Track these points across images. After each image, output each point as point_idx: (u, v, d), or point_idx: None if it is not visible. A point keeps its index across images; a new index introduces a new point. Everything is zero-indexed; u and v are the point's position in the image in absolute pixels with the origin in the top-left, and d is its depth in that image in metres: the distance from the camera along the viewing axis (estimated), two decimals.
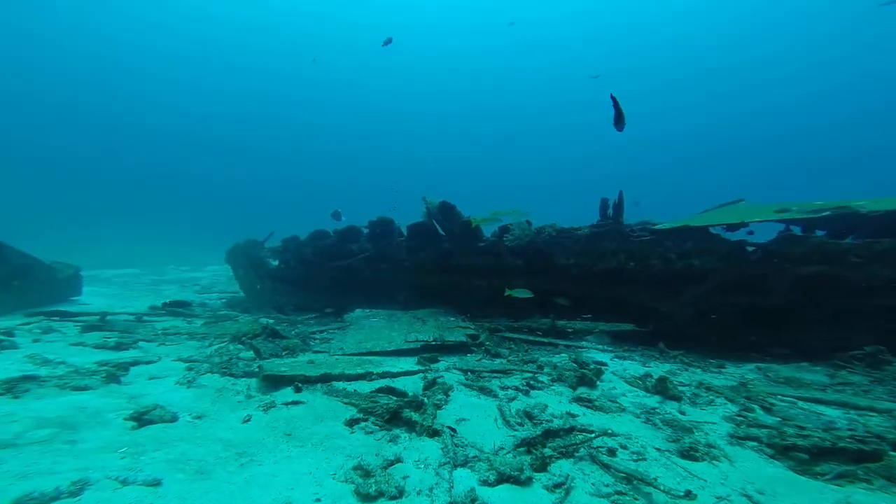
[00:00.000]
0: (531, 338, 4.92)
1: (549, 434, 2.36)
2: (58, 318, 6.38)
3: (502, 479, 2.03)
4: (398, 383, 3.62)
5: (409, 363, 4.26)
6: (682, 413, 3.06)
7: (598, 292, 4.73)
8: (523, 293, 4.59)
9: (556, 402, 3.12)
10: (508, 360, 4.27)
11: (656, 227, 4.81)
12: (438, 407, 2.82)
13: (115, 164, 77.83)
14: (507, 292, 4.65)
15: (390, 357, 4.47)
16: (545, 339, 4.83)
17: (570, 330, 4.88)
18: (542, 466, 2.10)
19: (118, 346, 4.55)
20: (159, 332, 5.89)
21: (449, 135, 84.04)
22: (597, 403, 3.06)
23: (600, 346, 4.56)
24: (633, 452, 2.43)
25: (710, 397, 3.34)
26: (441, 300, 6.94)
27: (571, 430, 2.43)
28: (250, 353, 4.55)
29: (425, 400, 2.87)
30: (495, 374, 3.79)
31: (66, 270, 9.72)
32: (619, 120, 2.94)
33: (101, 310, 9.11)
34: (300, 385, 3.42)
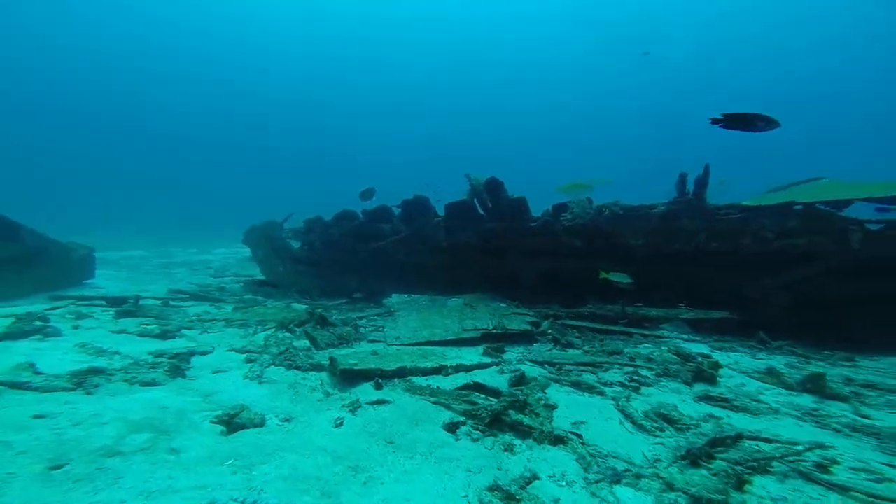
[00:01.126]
0: (600, 326, 4.60)
1: (715, 443, 2.04)
2: (85, 303, 6.03)
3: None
4: (476, 378, 3.32)
5: (474, 354, 3.98)
6: (866, 416, 2.69)
7: (670, 275, 4.38)
8: (622, 277, 4.23)
9: (678, 401, 2.81)
10: (587, 352, 3.95)
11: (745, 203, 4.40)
12: (550, 408, 2.51)
13: (120, 153, 76.94)
14: (603, 275, 4.28)
15: (452, 347, 4.18)
16: (617, 328, 4.51)
17: (643, 317, 4.55)
18: (738, 485, 1.79)
19: (164, 335, 4.22)
20: (193, 318, 5.57)
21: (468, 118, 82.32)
22: (736, 403, 2.74)
23: (684, 336, 4.26)
24: (854, 469, 2.06)
25: (887, 397, 2.96)
26: (483, 284, 6.61)
27: (739, 437, 2.12)
28: (303, 342, 4.23)
29: (529, 399, 2.55)
30: (582, 368, 3.48)
31: (80, 251, 9.32)
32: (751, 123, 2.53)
33: (117, 294, 8.83)
34: (380, 381, 3.10)
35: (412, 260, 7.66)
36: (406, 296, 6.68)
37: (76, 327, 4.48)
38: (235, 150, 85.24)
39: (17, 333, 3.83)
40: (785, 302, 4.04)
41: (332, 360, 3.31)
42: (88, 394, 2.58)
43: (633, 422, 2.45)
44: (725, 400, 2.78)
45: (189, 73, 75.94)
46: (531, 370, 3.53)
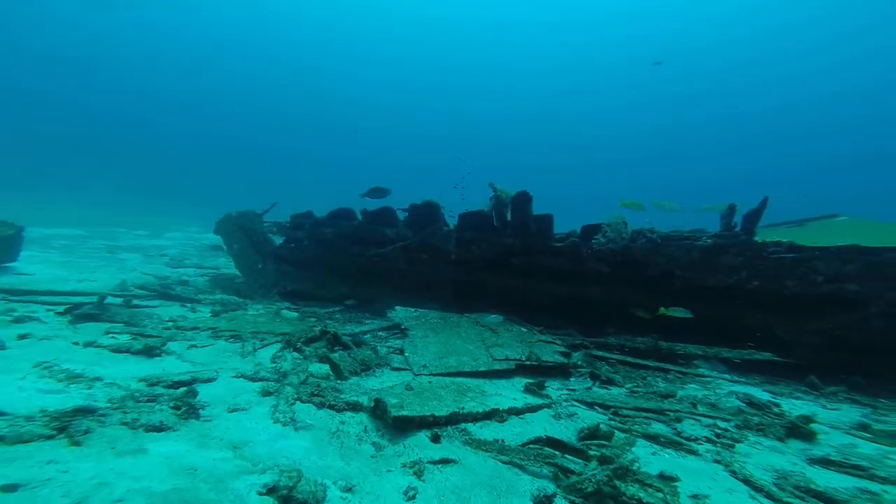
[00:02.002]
0: (631, 360, 4.39)
1: None
2: (18, 299, 4.92)
3: None
4: (530, 423, 2.95)
5: (512, 390, 3.64)
6: None
7: (700, 310, 4.29)
8: (681, 312, 4.03)
9: (793, 466, 2.57)
10: (634, 392, 3.70)
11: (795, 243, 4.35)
12: (669, 479, 2.18)
13: (66, 105, 68.12)
14: (662, 311, 4.06)
15: (486, 380, 3.79)
16: (650, 363, 4.32)
17: (678, 352, 4.41)
18: None
19: (148, 351, 3.43)
20: (169, 324, 4.71)
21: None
22: (878, 473, 2.47)
23: (726, 376, 4.15)
24: None
25: None
26: (491, 302, 6.25)
27: None
28: (319, 367, 3.64)
29: (634, 466, 2.22)
30: (645, 414, 3.21)
31: (4, 229, 7.84)
32: None
33: (47, 280, 7.49)
34: (438, 433, 2.63)
35: (415, 270, 7.16)
36: (412, 310, 6.17)
37: (23, 336, 3.54)
38: (208, 130, 79.08)
39: None
40: (817, 344, 4.08)
41: (378, 402, 2.79)
42: (77, 444, 1.90)
43: (772, 497, 2.16)
44: (860, 468, 2.52)
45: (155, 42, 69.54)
46: (584, 414, 3.22)
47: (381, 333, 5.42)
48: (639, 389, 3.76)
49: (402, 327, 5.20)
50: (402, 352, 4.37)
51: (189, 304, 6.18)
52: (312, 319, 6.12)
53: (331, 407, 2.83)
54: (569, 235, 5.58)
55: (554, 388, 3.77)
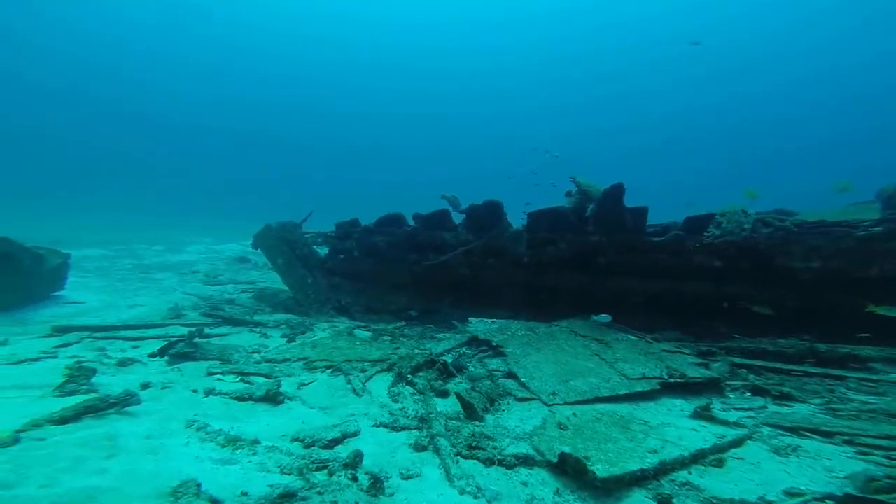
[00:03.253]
0: (781, 366, 3.96)
1: None
2: (103, 336, 4.68)
3: None
4: (767, 470, 2.49)
5: (677, 416, 3.20)
6: None
7: (846, 304, 3.89)
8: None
9: None
10: (838, 412, 3.20)
11: None
12: None
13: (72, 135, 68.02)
14: (872, 309, 3.63)
15: (630, 405, 3.41)
16: (815, 370, 3.89)
17: (845, 354, 3.94)
18: None
19: (271, 398, 3.11)
20: (258, 357, 4.42)
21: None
22: None
23: None
24: None
25: None
26: (572, 307, 5.88)
27: None
28: (443, 404, 3.31)
29: None
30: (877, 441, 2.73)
31: (53, 258, 7.62)
32: None
33: (98, 308, 7.27)
34: (662, 493, 2.25)
35: (480, 276, 6.80)
36: (488, 320, 5.82)
37: (145, 386, 3.26)
38: (209, 132, 78.36)
39: (89, 409, 2.60)
40: None
41: (566, 457, 2.41)
42: None
43: None
44: None
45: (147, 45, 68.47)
46: (810, 446, 2.75)
47: (464, 350, 5.09)
48: (837, 405, 3.32)
49: (493, 344, 4.84)
50: (511, 376, 4.01)
51: (258, 329, 5.90)
52: (387, 338, 5.81)
53: (500, 463, 2.49)
54: (666, 228, 5.15)
55: (717, 408, 3.31)
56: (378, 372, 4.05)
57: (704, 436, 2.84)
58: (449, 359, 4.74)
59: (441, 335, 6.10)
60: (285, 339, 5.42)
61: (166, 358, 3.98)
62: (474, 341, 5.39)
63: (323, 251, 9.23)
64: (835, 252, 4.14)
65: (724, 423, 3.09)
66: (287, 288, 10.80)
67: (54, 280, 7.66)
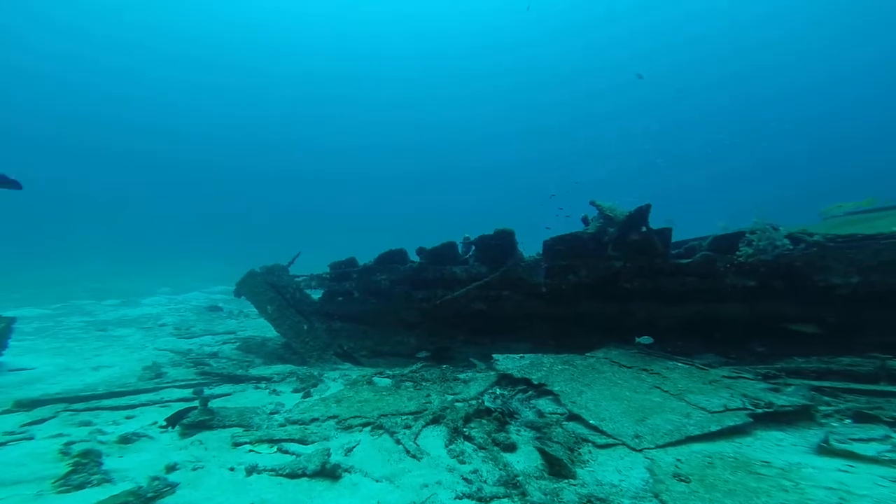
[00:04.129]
0: (858, 385, 3.87)
1: None
2: (84, 407, 3.91)
3: None
4: None
5: (802, 454, 2.90)
6: None
7: (889, 317, 3.97)
8: None
9: None
10: None
11: None
12: None
13: None
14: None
15: (733, 442, 3.11)
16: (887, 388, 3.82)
17: None
18: None
19: (328, 472, 2.62)
20: (281, 420, 3.84)
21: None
22: None
23: None
24: None
25: None
26: (598, 335, 5.77)
27: None
28: (514, 459, 2.98)
29: None
30: None
31: None
32: None
33: (53, 373, 6.27)
34: None
35: (496, 309, 6.58)
36: (516, 357, 5.54)
37: (171, 468, 2.64)
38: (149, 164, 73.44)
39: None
40: None
41: None
42: None
43: None
44: None
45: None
46: None
47: (498, 392, 4.75)
48: None
49: (534, 382, 4.54)
50: (575, 418, 3.67)
51: (263, 385, 5.25)
52: (409, 384, 5.35)
53: None
54: (690, 249, 5.22)
55: (830, 440, 2.97)
56: (424, 426, 3.63)
57: (867, 478, 2.55)
58: (489, 402, 4.41)
59: (463, 375, 5.73)
60: (299, 395, 4.84)
61: (177, 429, 3.34)
62: (505, 380, 5.08)
63: (315, 294, 8.68)
64: (876, 266, 4.26)
65: (872, 459, 2.79)
66: (274, 335, 10.01)
67: None
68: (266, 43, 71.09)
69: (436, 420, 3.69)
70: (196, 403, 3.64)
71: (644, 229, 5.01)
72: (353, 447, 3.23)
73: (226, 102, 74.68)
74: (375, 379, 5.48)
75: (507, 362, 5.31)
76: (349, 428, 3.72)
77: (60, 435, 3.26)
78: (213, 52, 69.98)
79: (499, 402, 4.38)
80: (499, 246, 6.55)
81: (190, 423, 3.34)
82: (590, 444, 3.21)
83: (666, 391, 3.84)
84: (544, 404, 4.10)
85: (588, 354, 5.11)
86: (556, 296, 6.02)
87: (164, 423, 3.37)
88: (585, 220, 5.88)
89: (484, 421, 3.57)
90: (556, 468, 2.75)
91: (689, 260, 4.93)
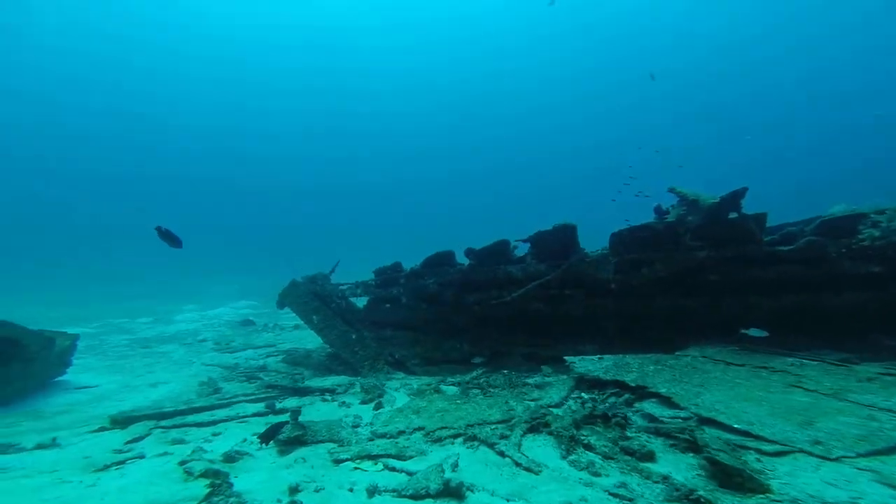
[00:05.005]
0: None
1: None
2: (171, 424, 3.79)
3: None
4: None
5: None
6: None
7: None
8: None
9: None
10: None
11: None
12: None
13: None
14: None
15: None
16: None
17: None
18: None
19: (454, 492, 2.33)
20: (369, 434, 3.58)
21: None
22: None
23: None
24: None
25: None
26: (680, 332, 5.32)
27: None
28: (656, 468, 2.62)
29: None
30: None
31: (62, 340, 6.62)
32: None
33: (116, 390, 6.23)
34: None
35: (558, 309, 6.23)
36: (594, 358, 5.13)
37: (294, 490, 2.43)
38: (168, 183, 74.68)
39: None
40: None
41: None
42: None
43: None
44: None
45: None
46: None
47: (586, 396, 4.36)
48: None
49: (630, 384, 4.11)
50: (707, 422, 3.23)
51: (328, 396, 5.02)
52: (477, 391, 5.03)
53: None
54: (790, 235, 4.70)
55: None
56: (523, 435, 3.31)
57: None
58: (576, 407, 4.07)
59: (531, 380, 5.38)
60: (368, 406, 4.58)
61: (271, 445, 3.12)
62: (584, 383, 4.72)
63: (360, 302, 8.49)
64: None
65: None
66: (316, 346, 9.88)
67: (61, 365, 6.59)
68: (274, 58, 72.37)
69: (534, 428, 3.36)
70: (275, 418, 3.42)
71: (736, 215, 4.61)
72: (456, 461, 2.93)
73: (232, 116, 75.71)
74: (442, 387, 5.19)
75: (587, 364, 4.95)
76: (440, 440, 3.44)
77: (166, 454, 3.14)
78: (219, 67, 71.45)
79: (589, 406, 4.03)
80: (559, 241, 6.23)
81: (286, 439, 3.11)
82: (750, 451, 2.80)
83: (812, 391, 3.40)
84: (652, 408, 3.71)
85: (679, 353, 4.70)
86: (627, 292, 5.64)
87: (260, 440, 3.15)
88: (659, 210, 5.51)
89: (598, 427, 3.22)
90: (737, 480, 2.35)
91: (791, 247, 4.48)
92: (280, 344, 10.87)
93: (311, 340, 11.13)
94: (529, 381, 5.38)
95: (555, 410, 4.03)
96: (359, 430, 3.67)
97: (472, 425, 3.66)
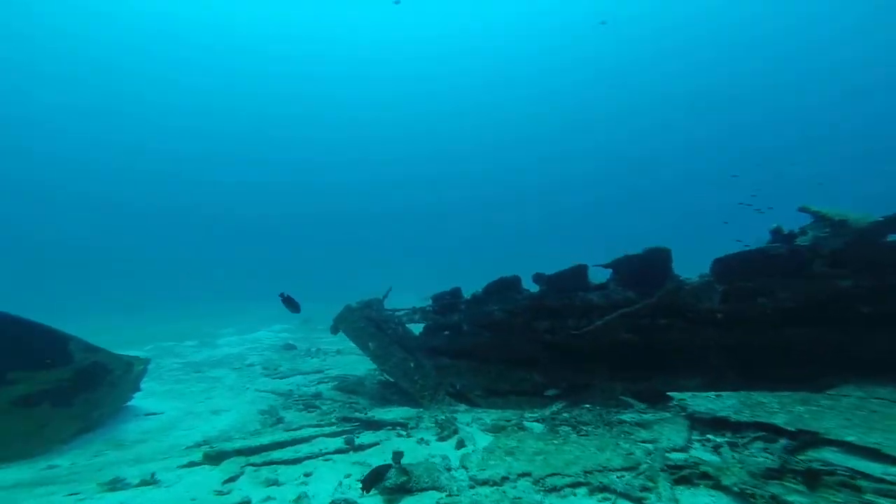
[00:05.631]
0: None
1: None
2: (259, 461, 3.49)
3: None
4: None
5: None
6: None
7: None
8: None
9: None
10: None
11: None
12: None
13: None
14: None
15: None
16: None
17: None
18: None
19: None
20: (462, 477, 3.08)
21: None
22: None
23: None
24: None
25: None
26: (816, 367, 4.49)
27: None
28: None
29: None
30: None
31: (138, 364, 6.62)
32: None
33: (180, 417, 6.06)
34: None
35: (651, 339, 5.54)
36: (711, 395, 4.38)
37: None
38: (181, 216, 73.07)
39: None
40: None
41: None
42: None
43: None
44: None
45: None
46: None
47: (721, 440, 3.61)
48: None
49: (792, 430, 3.32)
50: None
51: (402, 431, 4.56)
52: (567, 429, 4.41)
53: None
54: None
55: None
56: (672, 488, 2.69)
57: None
58: (703, 453, 3.39)
59: (627, 417, 4.71)
60: (446, 443, 4.08)
61: (374, 492, 2.69)
62: (707, 424, 3.97)
63: (416, 329, 8.10)
64: None
65: None
66: (363, 373, 9.51)
67: (134, 390, 6.56)
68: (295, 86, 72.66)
69: (685, 480, 2.73)
70: (357, 455, 3.00)
71: (858, 242, 3.93)
72: None
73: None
74: (525, 423, 4.60)
75: (703, 402, 4.23)
76: (555, 490, 2.88)
77: (270, 499, 2.86)
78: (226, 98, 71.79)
79: (730, 452, 3.35)
80: (649, 268, 5.63)
81: (392, 486, 2.68)
82: None
83: None
84: (838, 459, 2.89)
85: (831, 392, 3.91)
86: (739, 323, 4.91)
87: (364, 487, 2.73)
88: (779, 232, 4.87)
89: (790, 483, 2.53)
90: None
91: None
92: (328, 370, 10.56)
93: (356, 366, 10.79)
94: (625, 417, 4.72)
95: (677, 455, 3.38)
96: (454, 474, 3.17)
97: (590, 472, 3.07)
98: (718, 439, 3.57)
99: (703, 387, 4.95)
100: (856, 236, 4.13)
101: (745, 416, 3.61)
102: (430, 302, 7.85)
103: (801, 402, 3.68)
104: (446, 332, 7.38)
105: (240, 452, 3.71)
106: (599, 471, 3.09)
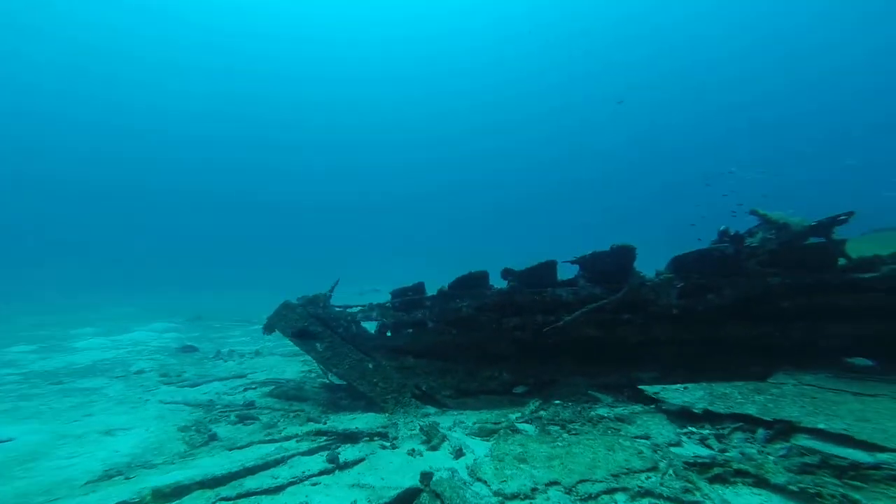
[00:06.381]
0: None
1: None
2: (237, 495, 2.56)
3: None
4: None
5: None
6: None
7: None
8: None
9: None
10: None
11: None
12: None
13: None
14: None
15: None
16: None
17: None
18: None
19: None
20: (485, 493, 2.73)
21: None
22: None
23: None
24: None
25: None
26: (750, 359, 5.17)
27: None
28: None
29: None
30: None
31: None
32: None
33: (40, 442, 4.55)
34: None
35: (611, 335, 5.85)
36: (679, 387, 4.73)
37: None
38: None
39: None
40: None
41: None
42: None
43: None
44: None
45: None
46: None
47: (706, 432, 3.83)
48: None
49: (769, 419, 3.62)
50: None
51: (386, 442, 3.97)
52: (556, 428, 4.35)
53: None
54: (868, 262, 4.73)
55: None
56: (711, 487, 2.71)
57: None
58: (695, 446, 3.59)
59: (603, 412, 4.84)
60: (438, 453, 3.67)
61: None
62: (682, 417, 4.26)
63: (370, 327, 7.39)
64: None
65: None
66: (297, 376, 8.48)
67: None
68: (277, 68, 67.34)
69: (720, 479, 2.77)
70: (343, 474, 2.41)
71: (818, 240, 4.66)
72: None
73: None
74: (518, 424, 4.42)
75: (674, 395, 4.52)
76: (591, 497, 2.71)
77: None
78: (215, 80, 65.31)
79: (717, 444, 3.58)
80: (616, 264, 5.92)
81: None
82: None
83: None
84: (820, 446, 3.17)
85: (771, 381, 4.47)
86: (690, 318, 5.43)
87: None
88: (726, 234, 5.47)
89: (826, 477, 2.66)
90: None
91: (874, 274, 4.58)
92: (250, 374, 9.14)
93: (282, 368, 9.55)
94: (602, 412, 4.84)
95: (675, 450, 3.52)
96: (474, 488, 2.80)
97: (616, 475, 2.98)
98: (705, 431, 3.79)
99: (657, 379, 5.37)
100: (792, 238, 4.84)
101: (722, 408, 3.93)
102: (388, 298, 7.24)
103: (757, 392, 4.14)
104: (409, 330, 6.87)
105: (203, 485, 2.77)
106: (625, 473, 3.01)
